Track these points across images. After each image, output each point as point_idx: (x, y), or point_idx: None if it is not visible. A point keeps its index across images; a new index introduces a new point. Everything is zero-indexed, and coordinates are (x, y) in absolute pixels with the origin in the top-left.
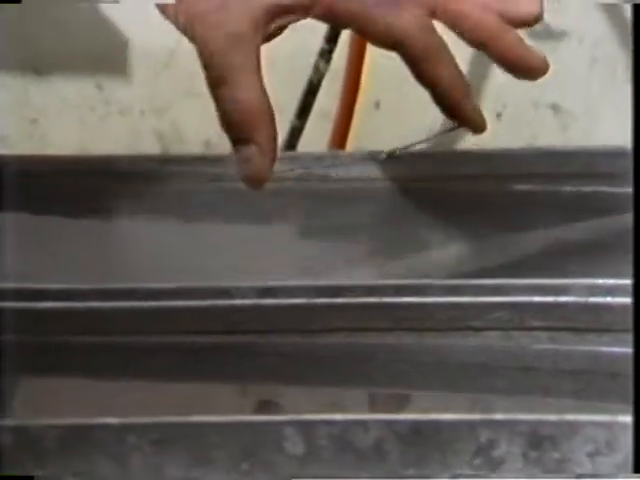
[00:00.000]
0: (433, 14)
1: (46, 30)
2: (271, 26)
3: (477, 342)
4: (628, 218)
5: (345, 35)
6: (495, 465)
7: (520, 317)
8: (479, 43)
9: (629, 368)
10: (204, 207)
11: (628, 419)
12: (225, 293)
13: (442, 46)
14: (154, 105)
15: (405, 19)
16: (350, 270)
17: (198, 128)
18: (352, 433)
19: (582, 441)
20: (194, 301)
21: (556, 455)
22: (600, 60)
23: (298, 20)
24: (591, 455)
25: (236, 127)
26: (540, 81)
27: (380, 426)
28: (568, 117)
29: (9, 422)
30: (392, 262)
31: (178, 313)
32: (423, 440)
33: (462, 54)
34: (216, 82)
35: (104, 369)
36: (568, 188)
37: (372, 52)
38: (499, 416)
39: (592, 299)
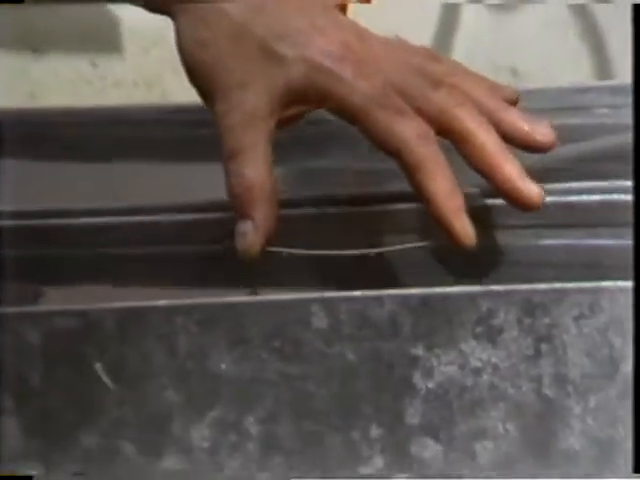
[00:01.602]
0: (439, 129)
1: (42, 11)
2: (286, 112)
3: None
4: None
5: None
6: (494, 333)
7: (504, 217)
8: (479, 170)
9: (602, 258)
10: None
11: (610, 284)
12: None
13: (439, 158)
14: (145, 78)
15: (407, 127)
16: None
17: (186, 99)
18: (369, 308)
19: (569, 306)
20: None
21: (546, 320)
22: (552, 24)
23: (312, 110)
24: (577, 319)
25: (238, 201)
26: (499, 46)
27: (394, 300)
28: (526, 79)
29: (73, 307)
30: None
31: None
32: (431, 312)
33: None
34: (228, 155)
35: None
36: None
37: None
38: (497, 287)
39: (568, 198)
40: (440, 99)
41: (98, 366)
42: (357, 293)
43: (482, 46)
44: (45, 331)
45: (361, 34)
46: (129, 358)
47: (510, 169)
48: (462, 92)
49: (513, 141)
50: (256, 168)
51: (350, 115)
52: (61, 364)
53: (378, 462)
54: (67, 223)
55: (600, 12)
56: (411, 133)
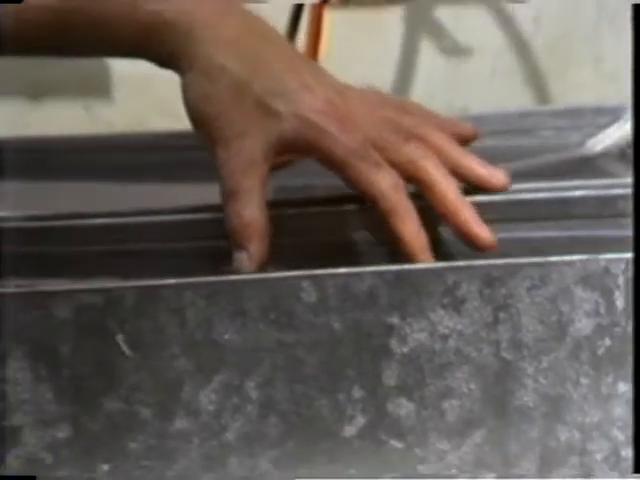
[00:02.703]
0: (408, 177)
1: (39, 60)
2: (278, 158)
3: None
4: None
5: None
6: (458, 303)
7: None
8: (441, 214)
9: (547, 248)
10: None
11: (557, 258)
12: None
13: (408, 205)
14: (134, 120)
15: (382, 178)
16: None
17: None
18: (351, 283)
19: (522, 278)
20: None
21: (503, 291)
22: (499, 71)
23: (301, 158)
24: (529, 289)
25: (236, 235)
26: (453, 88)
27: (372, 276)
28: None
29: (97, 286)
30: None
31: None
32: (404, 285)
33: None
34: (228, 196)
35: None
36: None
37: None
38: (460, 263)
39: (519, 196)
40: (409, 152)
41: (119, 337)
42: (341, 270)
43: (437, 88)
44: (73, 307)
45: (342, 90)
46: (145, 330)
47: (467, 215)
48: (428, 143)
49: (473, 184)
50: (252, 208)
51: (334, 165)
52: (87, 336)
53: (360, 420)
54: (76, 224)
55: (542, 60)
56: (386, 184)
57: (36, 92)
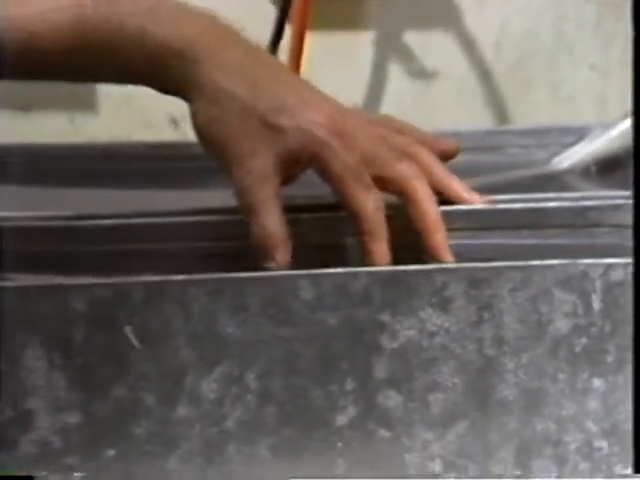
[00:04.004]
0: (397, 192)
1: None
2: (287, 172)
3: None
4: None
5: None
6: (446, 303)
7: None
8: (418, 229)
9: (525, 254)
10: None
11: (537, 262)
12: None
13: (384, 229)
14: (117, 133)
15: (367, 200)
16: None
17: None
18: (347, 282)
19: (505, 280)
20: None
21: (487, 292)
22: (464, 93)
23: (303, 171)
24: (511, 291)
25: (261, 246)
26: (419, 109)
27: (367, 275)
28: None
29: (106, 280)
30: None
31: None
32: (397, 285)
33: (359, 95)
34: (248, 210)
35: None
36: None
37: None
38: (449, 265)
39: (497, 206)
40: (401, 169)
41: (127, 329)
42: (337, 270)
43: (405, 109)
44: (86, 299)
45: (338, 106)
46: (152, 322)
47: (440, 238)
48: (418, 162)
49: (453, 202)
50: (273, 219)
51: (330, 178)
52: (98, 327)
53: (351, 411)
54: (84, 224)
55: (503, 84)
56: (370, 206)
57: (24, 105)
